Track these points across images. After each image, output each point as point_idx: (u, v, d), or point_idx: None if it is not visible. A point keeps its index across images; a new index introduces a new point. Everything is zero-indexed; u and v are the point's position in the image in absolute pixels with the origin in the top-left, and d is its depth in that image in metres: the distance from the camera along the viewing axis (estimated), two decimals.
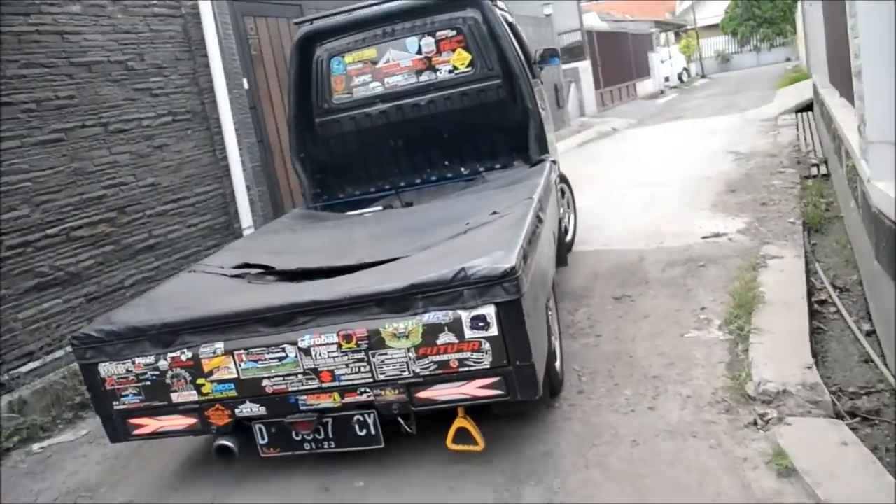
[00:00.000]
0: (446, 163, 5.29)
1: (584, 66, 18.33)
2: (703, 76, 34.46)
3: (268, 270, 3.61)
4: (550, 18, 16.23)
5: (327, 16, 5.28)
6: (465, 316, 2.67)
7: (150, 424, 3.12)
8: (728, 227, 6.01)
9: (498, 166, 5.16)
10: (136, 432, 3.16)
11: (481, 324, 2.67)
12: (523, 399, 2.78)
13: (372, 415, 2.90)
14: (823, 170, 7.52)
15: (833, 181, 6.85)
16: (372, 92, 5.20)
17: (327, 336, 2.81)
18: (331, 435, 2.97)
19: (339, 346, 2.80)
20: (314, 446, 3.00)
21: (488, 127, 5.14)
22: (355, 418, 2.92)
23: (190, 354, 2.96)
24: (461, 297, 2.68)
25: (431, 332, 2.71)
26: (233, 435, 3.08)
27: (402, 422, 3.00)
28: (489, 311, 2.65)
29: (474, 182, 4.98)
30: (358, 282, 3.02)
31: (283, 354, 2.86)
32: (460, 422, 2.97)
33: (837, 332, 3.99)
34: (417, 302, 2.73)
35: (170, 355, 2.98)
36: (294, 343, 2.84)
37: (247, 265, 3.73)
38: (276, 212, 6.80)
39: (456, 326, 2.69)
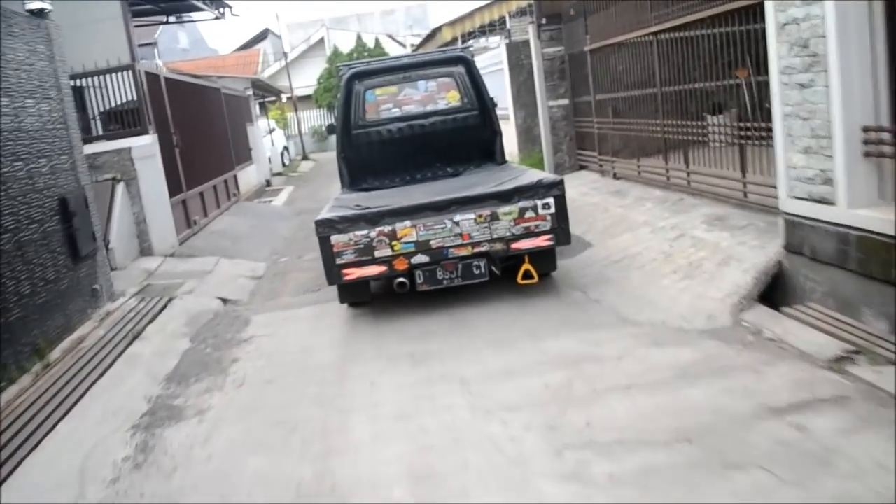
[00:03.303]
0: (438, 164, 7.68)
1: (146, 149, 9.10)
2: (306, 156, 28.80)
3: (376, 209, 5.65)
4: (47, 29, 6.66)
5: (366, 63, 8.28)
6: (539, 203, 5.43)
7: (355, 272, 5.45)
8: None
9: (472, 167, 7.64)
10: (346, 278, 5.48)
11: (546, 206, 5.43)
12: (563, 245, 5.68)
13: (484, 261, 5.49)
14: None
15: None
16: (392, 114, 7.52)
17: (469, 214, 5.42)
18: (460, 274, 5.52)
19: (475, 220, 5.41)
20: (449, 282, 5.53)
21: (467, 141, 7.61)
22: (474, 263, 5.49)
23: (390, 228, 5.39)
24: (538, 193, 5.44)
25: (522, 211, 5.43)
26: (406, 277, 5.48)
27: (493, 269, 5.58)
28: (550, 200, 5.43)
29: (461, 174, 7.48)
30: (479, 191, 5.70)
31: (444, 225, 5.41)
32: (526, 266, 5.63)
33: None
34: (515, 196, 5.45)
35: (377, 229, 5.40)
36: (451, 219, 5.41)
37: (358, 206, 5.93)
38: None
39: (534, 208, 5.44)
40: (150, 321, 6.36)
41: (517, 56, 12.62)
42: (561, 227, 5.46)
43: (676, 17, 7.21)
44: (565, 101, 11.17)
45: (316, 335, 5.67)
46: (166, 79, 10.42)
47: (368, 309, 6.20)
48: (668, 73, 7.83)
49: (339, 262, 5.40)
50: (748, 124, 6.46)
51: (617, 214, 7.77)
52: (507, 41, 13.61)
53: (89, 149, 8.85)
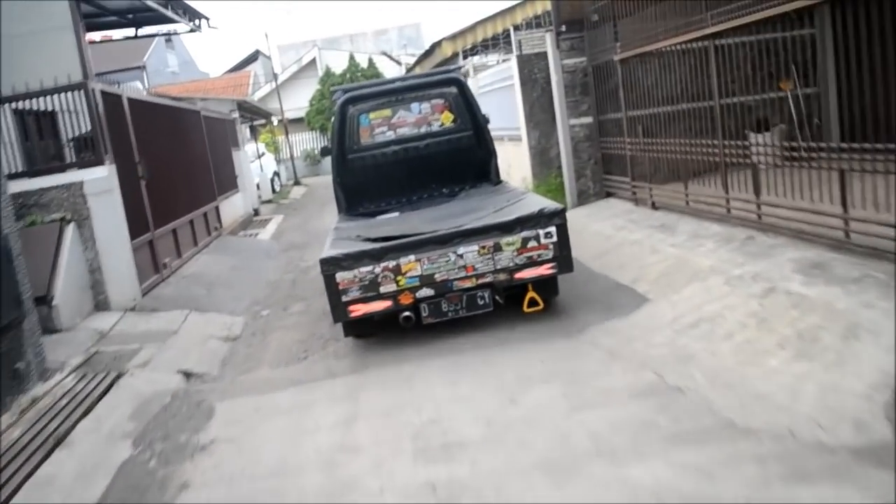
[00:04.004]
0: (434, 186, 7.75)
1: (102, 182, 7.55)
2: (297, 182, 27.37)
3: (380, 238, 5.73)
4: None
5: (359, 87, 8.39)
6: (541, 232, 5.42)
7: (361, 308, 5.39)
8: None
9: (468, 187, 7.65)
10: (352, 315, 5.41)
11: (549, 235, 5.42)
12: (565, 272, 5.56)
13: (488, 292, 5.48)
14: None
15: None
16: (387, 138, 7.55)
17: (472, 246, 5.39)
18: (464, 305, 5.49)
19: (478, 251, 5.39)
20: (454, 314, 5.51)
21: (462, 163, 7.64)
22: (479, 294, 5.48)
23: (395, 263, 5.34)
24: (540, 223, 5.42)
25: (525, 241, 5.42)
26: (411, 310, 5.43)
27: (497, 298, 5.55)
28: (552, 229, 5.43)
29: (457, 196, 7.53)
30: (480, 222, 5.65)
31: (448, 258, 5.38)
32: (531, 293, 5.64)
33: None
34: (517, 226, 5.42)
35: (381, 264, 5.34)
36: (455, 252, 5.38)
37: (358, 236, 6.06)
38: None
39: (537, 237, 5.42)
40: (86, 412, 4.86)
41: (529, 70, 11.23)
42: (563, 254, 5.52)
43: (746, 13, 5.83)
44: (589, 119, 9.76)
45: (298, 441, 4.18)
46: (130, 100, 8.97)
47: (369, 397, 4.74)
48: (727, 82, 6.45)
49: (344, 299, 5.38)
50: (853, 145, 5.05)
51: (671, 256, 6.32)
52: (518, 53, 12.23)
53: (34, 184, 7.47)
